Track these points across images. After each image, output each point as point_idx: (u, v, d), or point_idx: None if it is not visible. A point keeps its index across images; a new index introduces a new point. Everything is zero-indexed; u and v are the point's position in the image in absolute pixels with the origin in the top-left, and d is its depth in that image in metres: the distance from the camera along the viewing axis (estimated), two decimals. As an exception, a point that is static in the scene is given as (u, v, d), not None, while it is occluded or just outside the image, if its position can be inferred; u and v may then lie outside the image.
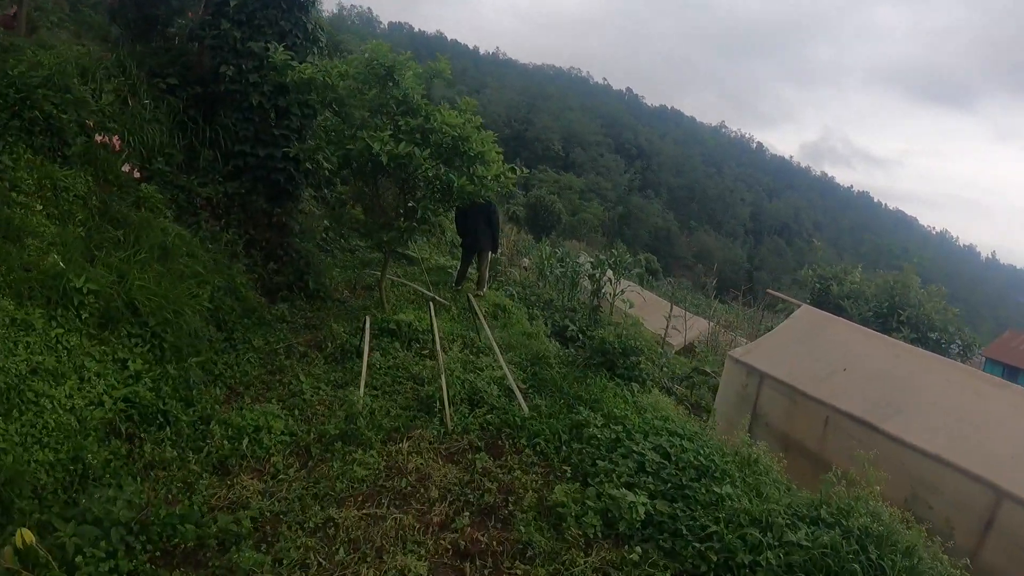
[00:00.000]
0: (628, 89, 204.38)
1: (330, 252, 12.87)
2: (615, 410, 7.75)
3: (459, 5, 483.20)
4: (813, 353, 9.45)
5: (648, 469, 6.45)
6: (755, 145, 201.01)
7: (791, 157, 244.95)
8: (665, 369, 12.79)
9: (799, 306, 11.35)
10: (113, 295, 6.83)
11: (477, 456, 6.66)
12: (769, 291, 14.14)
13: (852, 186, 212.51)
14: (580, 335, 16.19)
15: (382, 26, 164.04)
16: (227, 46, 9.91)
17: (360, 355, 7.91)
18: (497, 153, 9.54)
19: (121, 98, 9.50)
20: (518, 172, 9.97)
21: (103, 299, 6.71)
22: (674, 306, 24.43)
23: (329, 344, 8.92)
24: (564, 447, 7.02)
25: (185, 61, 10.62)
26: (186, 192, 9.53)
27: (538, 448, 6.98)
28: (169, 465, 5.97)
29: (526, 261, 26.77)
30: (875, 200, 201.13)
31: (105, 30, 11.56)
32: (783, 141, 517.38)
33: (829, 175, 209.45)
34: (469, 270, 12.92)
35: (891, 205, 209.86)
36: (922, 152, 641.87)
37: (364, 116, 9.35)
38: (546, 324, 15.80)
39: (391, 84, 9.00)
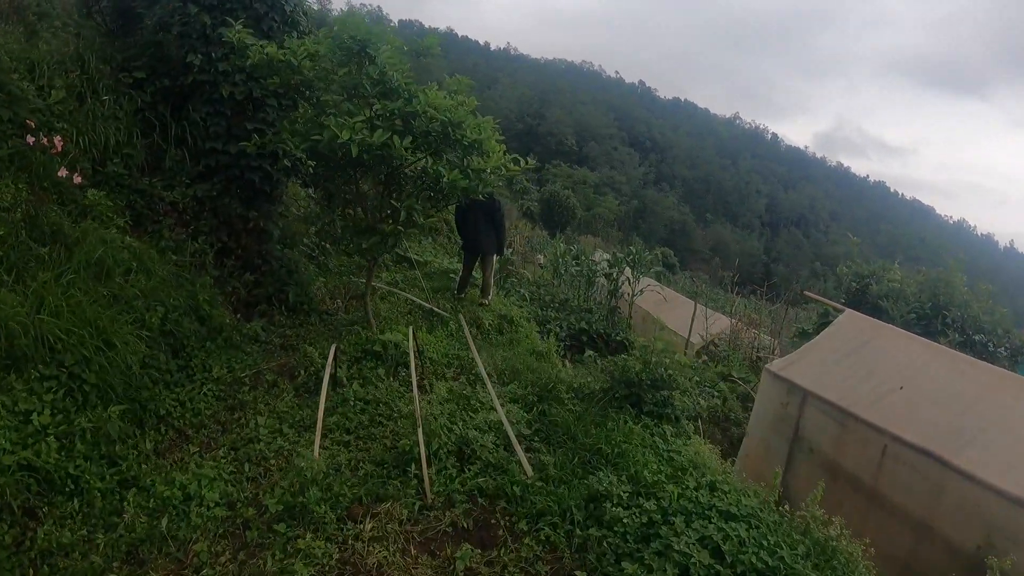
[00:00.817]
0: (641, 82, 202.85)
1: (320, 258, 11.72)
2: (645, 471, 6.04)
3: (469, 2, 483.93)
4: (863, 367, 8.25)
5: (694, 577, 4.81)
6: (770, 136, 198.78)
7: (806, 148, 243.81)
8: (698, 393, 11.60)
9: (840, 310, 10.17)
10: (21, 328, 5.45)
11: (460, 551, 5.00)
12: (806, 292, 12.95)
13: (868, 176, 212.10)
14: (597, 339, 15.24)
15: (392, 23, 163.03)
16: (195, 33, 8.79)
17: (338, 385, 6.86)
18: (498, 141, 8.20)
19: (75, 95, 8.46)
20: (523, 163, 8.49)
21: (7, 334, 5.37)
22: (689, 301, 23.53)
23: (302, 371, 7.67)
24: (578, 531, 5.35)
25: (155, 52, 9.52)
26: (147, 197, 8.38)
27: (543, 535, 5.31)
28: (71, 551, 4.61)
29: (540, 258, 25.94)
30: (891, 190, 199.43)
31: (79, 24, 10.53)
32: (797, 132, 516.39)
33: (845, 165, 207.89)
34: (473, 275, 11.70)
35: (907, 195, 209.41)
36: (937, 141, 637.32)
37: (336, 101, 8.00)
38: (560, 329, 14.81)
39: (366, 62, 7.57)
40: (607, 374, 8.18)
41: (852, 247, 16.46)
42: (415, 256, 13.53)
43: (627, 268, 17.38)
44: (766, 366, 8.82)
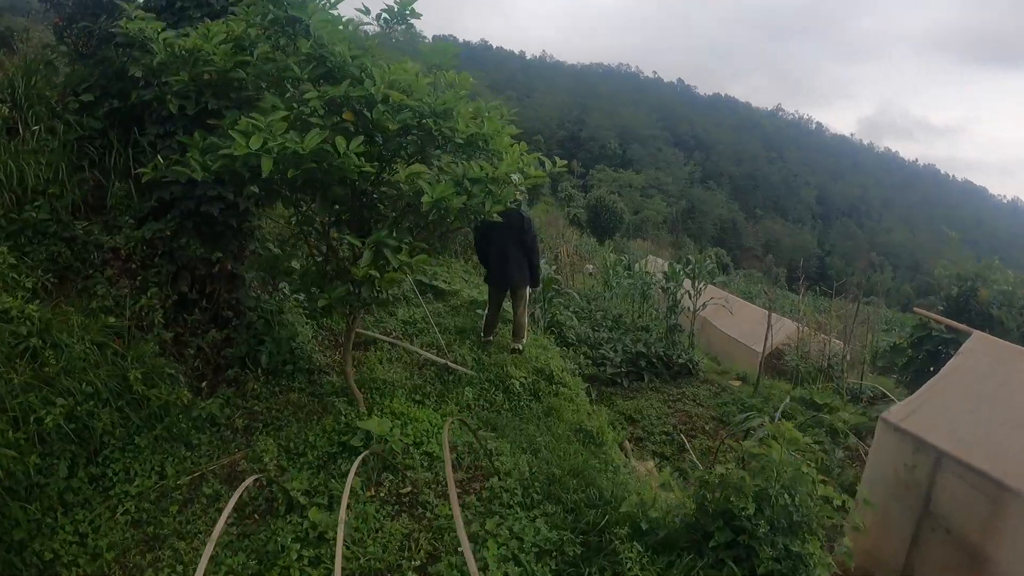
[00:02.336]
0: (680, 80, 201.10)
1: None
2: None
3: (501, 14, 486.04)
4: (1014, 415, 6.20)
5: None
6: (814, 126, 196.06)
7: (852, 135, 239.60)
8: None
9: (963, 331, 8.08)
10: None
11: None
12: (916, 309, 10.88)
13: (917, 159, 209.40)
14: (656, 362, 13.37)
15: (426, 39, 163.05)
16: (137, 42, 7.06)
17: (291, 508, 5.04)
18: (510, 137, 5.93)
19: (7, 127, 6.95)
20: (549, 165, 6.15)
21: None
22: (751, 305, 21.55)
23: (254, 484, 5.41)
24: None
25: (104, 70, 7.86)
26: (77, 246, 6.63)
27: None
28: None
29: (590, 267, 24.54)
30: (942, 172, 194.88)
31: (51, 51, 9.00)
32: (840, 119, 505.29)
33: (893, 150, 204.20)
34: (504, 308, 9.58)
35: (959, 176, 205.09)
36: (984, 118, 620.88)
37: (252, 97, 5.77)
38: (615, 353, 13.01)
39: (302, 37, 5.28)
40: (695, 497, 5.10)
41: (951, 243, 14.21)
42: (443, 283, 11.57)
43: (686, 279, 15.46)
44: (883, 416, 6.71)
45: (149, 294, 6.79)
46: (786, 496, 4.51)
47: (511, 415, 7.46)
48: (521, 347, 8.90)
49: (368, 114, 5.17)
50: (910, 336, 11.85)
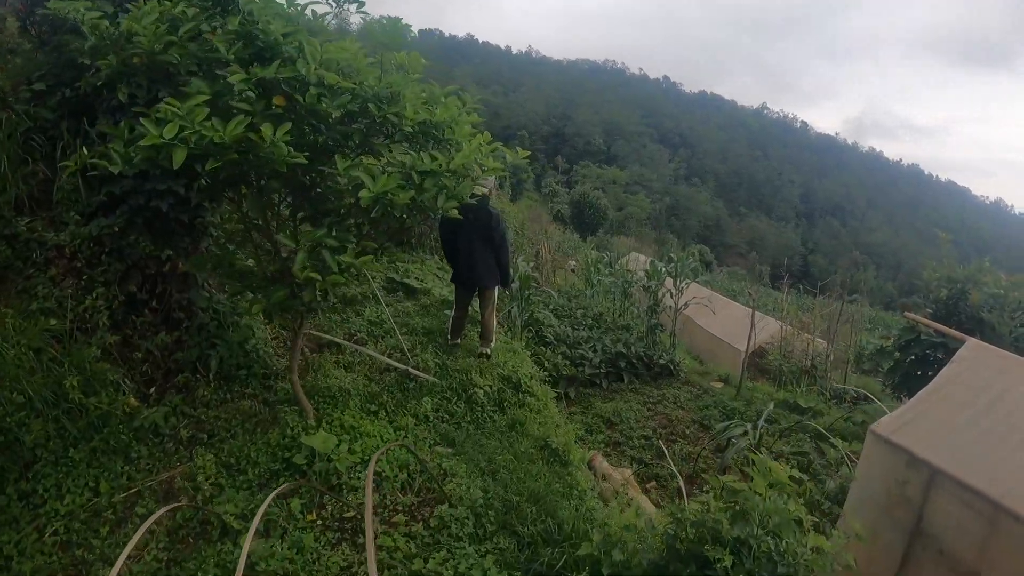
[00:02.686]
0: (665, 77, 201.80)
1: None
2: None
3: (487, 9, 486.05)
4: (1014, 429, 5.83)
5: None
6: (799, 124, 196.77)
7: (837, 134, 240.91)
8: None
9: (956, 339, 7.70)
10: None
11: None
12: (907, 314, 10.45)
13: (901, 159, 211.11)
14: (637, 362, 13.01)
15: (413, 34, 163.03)
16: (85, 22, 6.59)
17: (225, 532, 4.59)
18: (470, 127, 5.35)
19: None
20: (509, 156, 5.45)
21: None
22: (734, 303, 21.29)
23: (185, 499, 5.01)
24: None
25: (58, 57, 7.38)
26: (17, 244, 6.22)
27: None
28: None
29: (573, 263, 24.50)
30: (925, 173, 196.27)
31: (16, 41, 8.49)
32: (826, 118, 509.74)
33: (877, 150, 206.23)
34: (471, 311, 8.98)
35: (942, 176, 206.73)
36: (968, 119, 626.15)
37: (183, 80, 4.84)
38: (594, 353, 12.72)
39: (231, 14, 4.71)
40: (665, 537, 4.34)
41: (942, 245, 13.81)
42: (415, 281, 11.05)
43: (668, 278, 15.09)
44: (872, 428, 6.31)
45: (95, 294, 6.35)
46: (769, 543, 3.94)
47: (472, 428, 6.97)
48: (489, 351, 8.44)
49: (302, 99, 4.58)
50: (897, 338, 11.52)
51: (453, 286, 8.80)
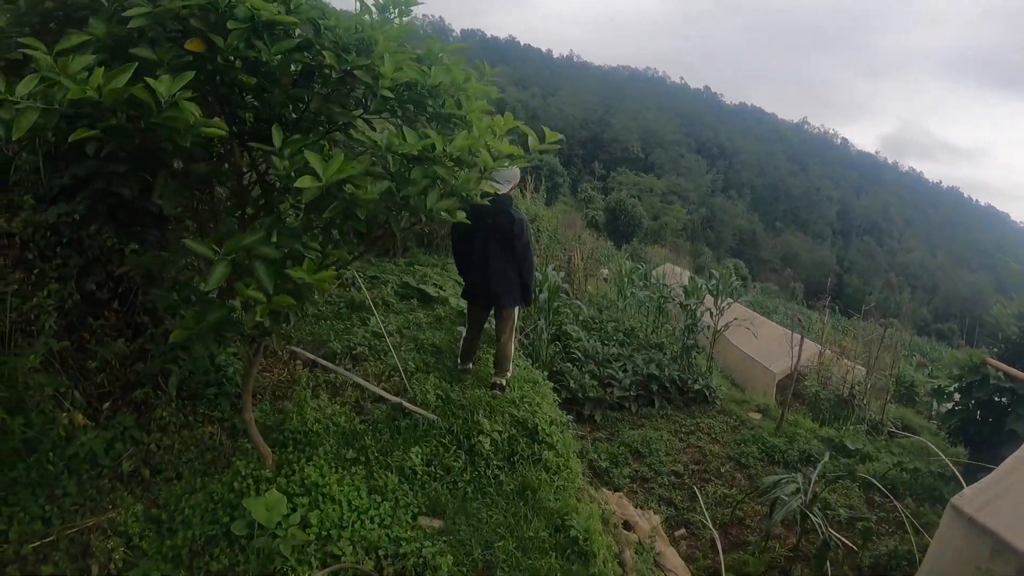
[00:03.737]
0: (706, 87, 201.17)
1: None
2: None
3: (530, 11, 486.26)
4: None
5: None
6: (839, 141, 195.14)
7: (877, 152, 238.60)
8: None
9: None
10: None
11: None
12: (988, 360, 9.32)
13: (940, 181, 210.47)
14: (670, 386, 11.93)
15: (454, 33, 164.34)
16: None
17: None
18: (486, 103, 4.07)
19: None
20: (533, 142, 4.11)
21: None
22: (769, 322, 20.33)
23: (95, 565, 3.93)
24: None
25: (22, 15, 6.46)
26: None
27: None
28: None
29: (605, 272, 23.55)
30: (965, 196, 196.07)
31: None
32: (862, 135, 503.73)
33: (917, 170, 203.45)
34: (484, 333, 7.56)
35: (981, 200, 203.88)
36: (1008, 142, 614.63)
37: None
38: (623, 374, 11.72)
39: None
40: None
41: (1012, 275, 12.60)
42: (433, 288, 9.92)
43: (707, 295, 13.98)
44: (953, 501, 5.21)
45: (45, 291, 5.38)
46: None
47: (471, 490, 5.56)
48: (504, 382, 7.00)
49: (222, 41, 3.17)
50: (957, 379, 10.24)
51: (466, 302, 7.47)
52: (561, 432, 6.61)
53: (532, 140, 4.16)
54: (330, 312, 8.20)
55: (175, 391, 5.68)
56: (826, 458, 7.94)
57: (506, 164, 4.10)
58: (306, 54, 3.54)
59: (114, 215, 5.79)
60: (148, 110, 2.84)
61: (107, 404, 5.50)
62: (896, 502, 7.86)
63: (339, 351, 7.13)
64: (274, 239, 3.30)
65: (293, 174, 3.25)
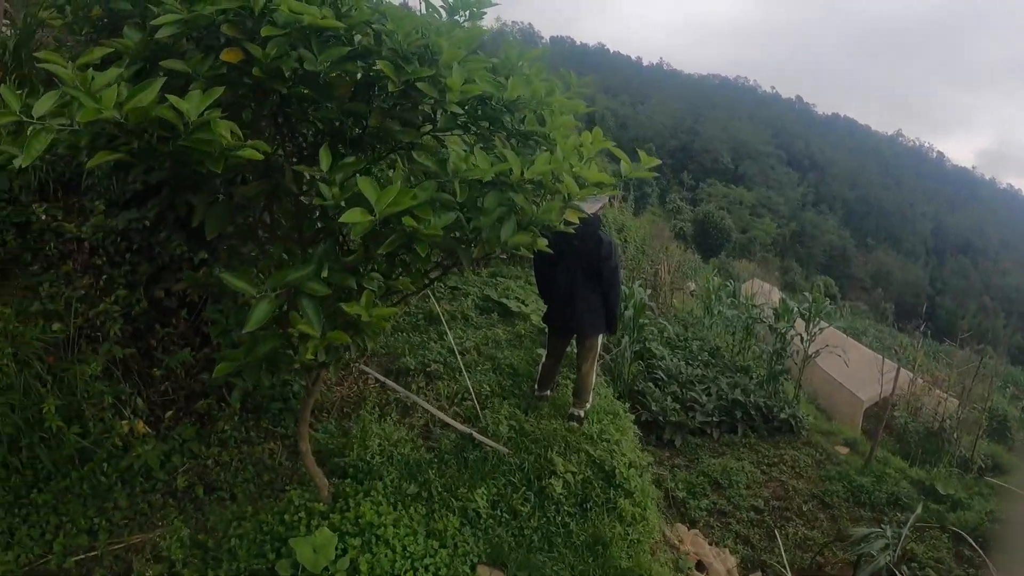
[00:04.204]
0: (798, 97, 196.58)
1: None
2: None
3: (620, 19, 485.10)
4: None
5: None
6: (934, 155, 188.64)
7: (974, 167, 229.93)
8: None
9: None
10: None
11: None
12: None
13: None
14: (754, 413, 11.37)
15: (543, 40, 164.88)
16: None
17: None
18: (572, 119, 3.68)
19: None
20: (627, 168, 3.70)
21: None
22: (859, 345, 19.57)
23: None
24: None
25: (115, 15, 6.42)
26: (33, 232, 5.32)
27: None
28: None
29: (692, 286, 23.12)
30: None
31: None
32: (958, 148, 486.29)
33: (1016, 187, 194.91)
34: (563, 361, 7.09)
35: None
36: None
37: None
38: (706, 397, 11.21)
39: None
40: None
41: None
42: (515, 302, 9.49)
43: (798, 319, 13.32)
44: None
45: (113, 297, 5.27)
46: None
47: (536, 539, 5.12)
48: (583, 414, 6.53)
49: (260, 51, 2.87)
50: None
51: (546, 326, 7.07)
52: (640, 476, 6.15)
53: (625, 165, 3.75)
54: (407, 324, 7.94)
55: (239, 404, 5.52)
56: (919, 510, 7.40)
57: (595, 192, 3.67)
58: (362, 64, 3.20)
59: (183, 224, 5.62)
60: (177, 131, 2.55)
61: (169, 413, 5.41)
62: (986, 557, 7.30)
63: (413, 367, 6.84)
64: (324, 273, 2.96)
65: (343, 203, 2.91)
